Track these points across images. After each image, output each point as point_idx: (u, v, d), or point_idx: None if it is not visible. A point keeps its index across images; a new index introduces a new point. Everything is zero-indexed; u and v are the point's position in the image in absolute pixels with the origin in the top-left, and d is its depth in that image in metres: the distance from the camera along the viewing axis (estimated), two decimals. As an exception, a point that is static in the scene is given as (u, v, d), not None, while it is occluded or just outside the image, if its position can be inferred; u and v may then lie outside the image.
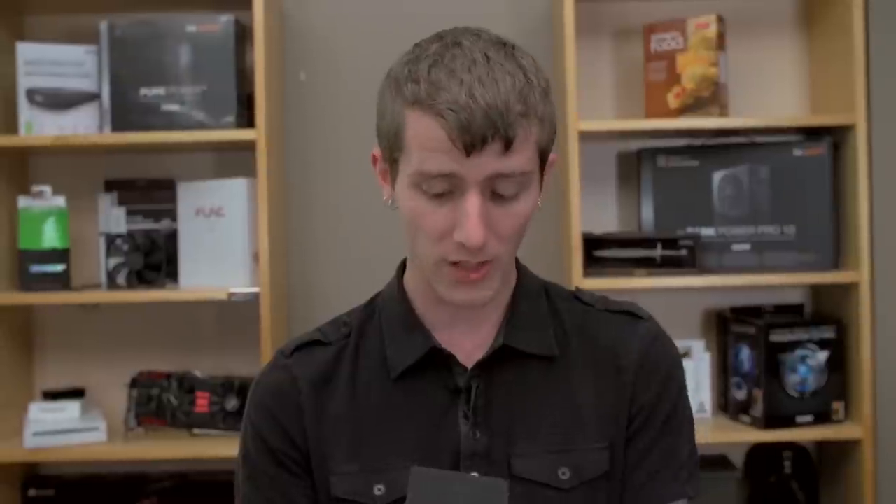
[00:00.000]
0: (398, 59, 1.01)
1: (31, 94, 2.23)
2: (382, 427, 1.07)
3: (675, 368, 1.12)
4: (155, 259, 2.25)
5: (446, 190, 0.97)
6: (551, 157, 1.06)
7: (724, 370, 2.36)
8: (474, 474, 0.85)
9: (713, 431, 2.24)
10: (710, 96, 2.23)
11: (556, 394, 1.07)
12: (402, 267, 1.13)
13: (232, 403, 2.23)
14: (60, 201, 2.22)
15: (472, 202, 0.96)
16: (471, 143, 0.94)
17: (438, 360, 1.07)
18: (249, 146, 2.19)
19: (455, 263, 0.99)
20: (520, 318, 1.09)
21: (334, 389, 1.08)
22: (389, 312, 1.11)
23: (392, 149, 1.01)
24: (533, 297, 1.11)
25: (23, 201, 2.21)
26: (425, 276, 1.05)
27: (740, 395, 2.28)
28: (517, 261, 1.13)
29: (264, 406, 1.09)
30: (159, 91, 2.22)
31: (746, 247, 2.29)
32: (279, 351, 1.12)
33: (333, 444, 1.07)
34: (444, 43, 0.98)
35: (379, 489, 1.04)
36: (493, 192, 0.98)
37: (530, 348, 1.08)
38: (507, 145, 0.95)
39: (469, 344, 1.08)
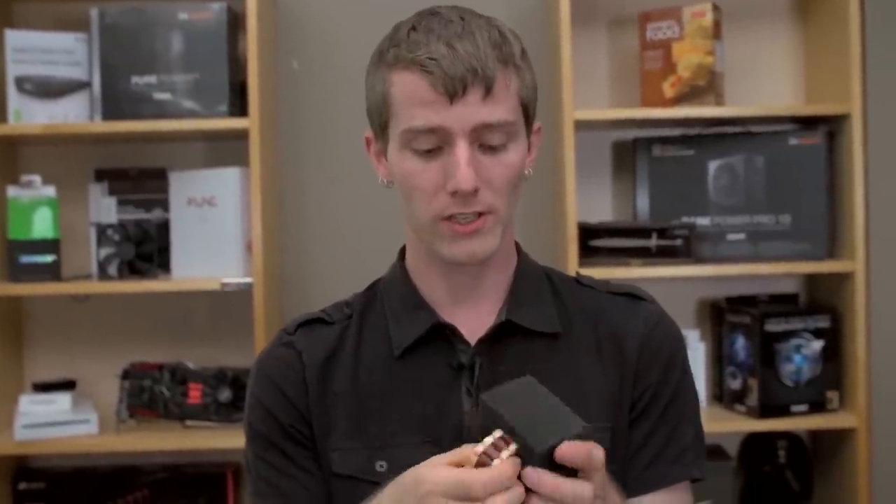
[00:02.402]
0: (381, 40, 1.06)
1: (21, 82, 2.20)
2: (385, 404, 1.07)
3: (679, 350, 1.13)
4: (147, 249, 2.23)
5: (435, 146, 1.00)
6: (537, 124, 1.09)
7: (719, 360, 2.35)
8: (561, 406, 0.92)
9: (708, 421, 2.17)
10: (706, 85, 2.22)
11: (559, 372, 1.08)
12: (403, 251, 1.14)
13: (225, 395, 2.21)
14: (50, 191, 2.20)
15: (461, 149, 0.99)
16: (453, 90, 0.97)
17: (441, 337, 1.08)
18: (242, 135, 2.17)
19: (451, 218, 1.01)
20: (522, 296, 1.10)
21: (338, 367, 1.09)
22: (392, 293, 1.12)
23: (381, 115, 1.04)
24: (534, 278, 1.13)
25: (12, 191, 2.19)
26: (425, 245, 1.06)
27: (735, 384, 2.28)
28: (517, 245, 1.14)
29: (270, 380, 1.09)
30: (150, 79, 2.20)
31: (741, 236, 2.28)
32: (282, 329, 1.14)
33: (335, 420, 1.07)
34: (420, 14, 1.03)
35: (381, 465, 1.05)
36: (482, 145, 1.00)
37: (533, 325, 1.08)
38: (488, 90, 0.98)
39: (472, 321, 1.09)
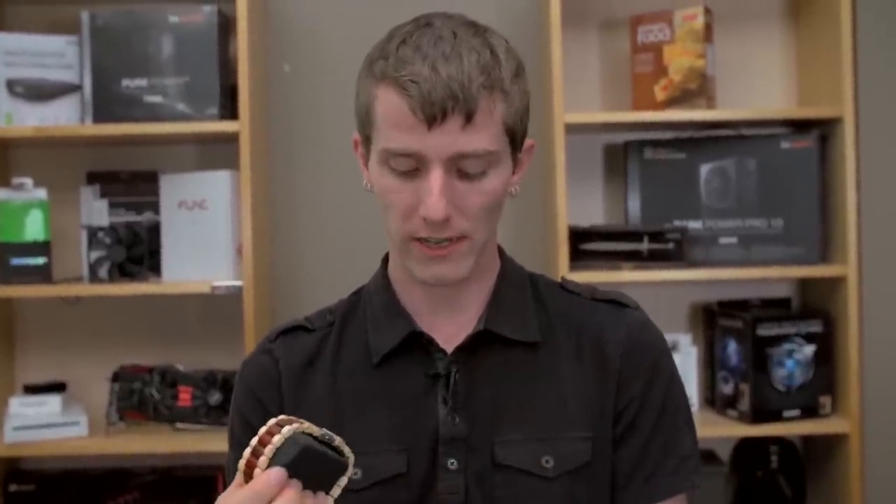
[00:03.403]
0: (376, 43, 1.03)
1: (12, 84, 2.21)
2: (362, 412, 1.07)
3: (664, 356, 1.11)
4: (137, 252, 2.23)
5: (412, 168, 0.98)
6: (528, 142, 1.06)
7: (711, 364, 2.34)
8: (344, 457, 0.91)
9: (700, 426, 2.13)
10: (698, 88, 2.21)
11: (539, 381, 1.07)
12: (387, 257, 1.14)
13: (215, 397, 2.21)
14: (42, 194, 2.20)
15: (435, 177, 0.97)
16: (431, 115, 0.95)
17: (419, 346, 1.07)
18: (232, 138, 2.17)
19: (422, 240, 1.00)
20: (502, 304, 1.09)
21: (315, 374, 1.09)
22: (373, 300, 1.11)
23: (364, 126, 1.02)
24: (516, 284, 1.11)
25: (3, 193, 2.19)
26: (401, 257, 1.05)
27: (727, 389, 2.27)
28: (501, 250, 1.13)
29: (249, 388, 1.10)
30: (141, 82, 2.20)
31: (733, 240, 2.27)
32: (265, 336, 1.14)
33: None
34: (416, 23, 1.00)
35: (356, 473, 1.04)
36: (459, 170, 0.98)
37: (512, 334, 1.07)
38: (469, 118, 0.95)
39: (451, 330, 1.08)
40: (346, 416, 1.06)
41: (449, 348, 1.06)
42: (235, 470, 1.09)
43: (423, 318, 1.08)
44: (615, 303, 1.12)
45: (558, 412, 1.06)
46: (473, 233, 1.01)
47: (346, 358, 1.09)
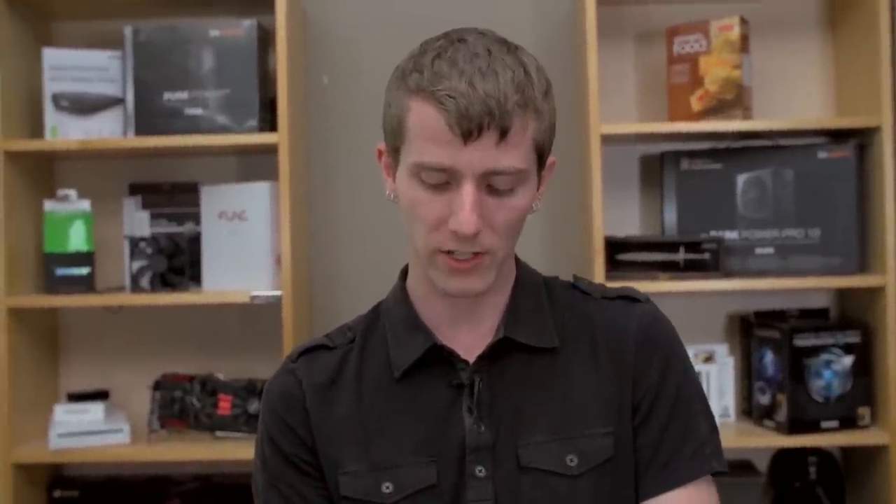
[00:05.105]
0: (406, 56, 1.04)
1: (57, 98, 2.25)
2: (388, 426, 1.08)
3: (676, 346, 1.12)
4: (178, 262, 2.27)
5: (443, 181, 1.00)
6: (551, 159, 1.08)
7: (748, 375, 2.34)
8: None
9: (737, 436, 2.22)
10: (734, 99, 2.21)
11: (558, 384, 1.09)
12: (405, 271, 1.15)
13: (254, 406, 2.24)
14: (86, 205, 2.24)
15: (468, 192, 0.98)
16: (468, 131, 0.96)
17: (440, 358, 1.09)
18: (272, 150, 2.20)
19: (449, 252, 1.01)
20: (520, 311, 1.10)
21: (339, 391, 1.10)
22: (392, 314, 1.13)
23: (395, 138, 1.04)
24: (532, 291, 1.13)
25: (49, 205, 2.24)
26: (423, 269, 1.07)
27: (764, 399, 2.26)
28: (515, 256, 1.15)
29: (273, 410, 1.11)
30: (183, 95, 2.24)
31: (770, 250, 2.27)
32: (287, 356, 1.15)
33: (340, 444, 1.08)
34: (449, 39, 1.02)
35: (387, 487, 1.06)
36: (489, 186, 1.00)
37: (531, 340, 1.09)
38: (503, 134, 0.97)
39: (471, 340, 1.10)
40: (372, 431, 1.08)
41: (470, 358, 1.08)
42: (265, 487, 1.10)
43: (442, 331, 1.09)
44: (626, 298, 1.13)
45: (578, 412, 1.07)
46: (498, 248, 1.02)
47: (368, 374, 1.10)
